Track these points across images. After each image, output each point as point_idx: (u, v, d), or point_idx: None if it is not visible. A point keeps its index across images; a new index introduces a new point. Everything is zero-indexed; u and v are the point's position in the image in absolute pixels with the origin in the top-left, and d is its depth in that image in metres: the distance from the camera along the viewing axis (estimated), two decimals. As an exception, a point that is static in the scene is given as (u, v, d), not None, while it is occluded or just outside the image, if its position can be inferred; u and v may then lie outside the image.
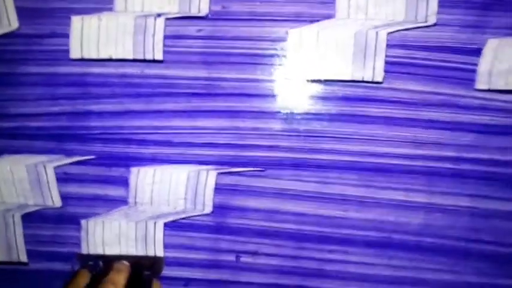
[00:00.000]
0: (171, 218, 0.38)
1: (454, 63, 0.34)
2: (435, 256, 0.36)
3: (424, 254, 0.36)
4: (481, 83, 0.34)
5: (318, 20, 0.35)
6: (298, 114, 0.36)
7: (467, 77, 0.34)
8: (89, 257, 0.38)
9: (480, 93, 0.34)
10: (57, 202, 0.38)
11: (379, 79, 0.35)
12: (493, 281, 0.36)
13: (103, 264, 0.37)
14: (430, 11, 0.33)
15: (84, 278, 0.36)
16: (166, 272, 0.39)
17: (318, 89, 0.36)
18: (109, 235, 0.38)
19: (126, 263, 0.36)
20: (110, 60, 0.35)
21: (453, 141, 0.35)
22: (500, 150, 0.35)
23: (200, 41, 0.36)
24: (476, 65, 0.34)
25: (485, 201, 0.36)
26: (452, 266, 0.37)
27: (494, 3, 0.33)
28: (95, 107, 0.36)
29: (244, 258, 0.38)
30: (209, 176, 0.37)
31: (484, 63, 0.34)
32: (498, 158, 0.35)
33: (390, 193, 0.36)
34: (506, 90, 0.34)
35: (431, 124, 0.35)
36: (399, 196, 0.36)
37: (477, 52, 0.34)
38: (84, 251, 0.38)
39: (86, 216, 0.38)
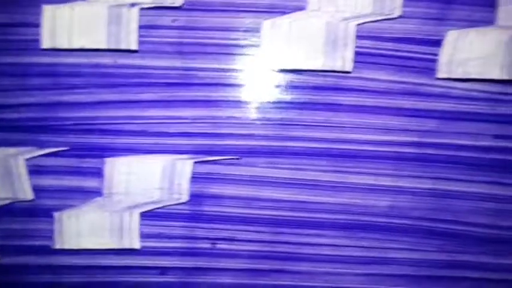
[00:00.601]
0: (147, 208, 0.39)
1: (418, 54, 0.38)
2: (401, 236, 0.40)
3: (391, 234, 0.40)
4: (441, 72, 0.37)
5: (290, 12, 0.37)
6: (272, 103, 0.38)
7: (429, 67, 0.38)
8: None
9: (441, 81, 0.38)
10: (29, 195, 0.38)
11: (349, 69, 0.37)
12: (454, 258, 0.40)
13: None
14: (396, 3, 0.36)
15: None
16: (142, 261, 0.40)
17: (291, 78, 0.38)
18: (84, 227, 0.39)
19: None
20: (83, 50, 0.36)
21: (417, 127, 0.38)
22: (459, 135, 0.39)
23: (175, 31, 0.37)
24: (437, 55, 0.37)
25: (446, 183, 0.39)
26: (417, 244, 0.40)
27: (454, -3, 0.37)
28: (67, 98, 0.37)
29: (220, 245, 0.40)
30: (185, 165, 0.39)
31: (445, 54, 0.37)
32: (458, 142, 0.39)
33: (360, 177, 0.39)
34: (465, 78, 0.37)
35: (397, 111, 0.38)
36: (368, 180, 0.39)
37: (439, 43, 0.37)
38: (57, 244, 0.39)
39: (59, 208, 0.39)
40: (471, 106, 0.39)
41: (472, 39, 0.37)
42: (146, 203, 0.39)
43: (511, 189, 0.40)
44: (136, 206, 0.39)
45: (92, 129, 0.38)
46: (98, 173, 0.38)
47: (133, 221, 0.39)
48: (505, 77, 0.38)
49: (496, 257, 0.40)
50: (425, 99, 0.39)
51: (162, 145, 0.39)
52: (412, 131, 0.39)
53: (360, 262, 0.40)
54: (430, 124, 0.39)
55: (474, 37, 0.37)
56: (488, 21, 0.38)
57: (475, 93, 0.38)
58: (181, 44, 0.37)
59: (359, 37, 0.37)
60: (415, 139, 0.39)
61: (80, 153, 0.38)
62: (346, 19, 0.37)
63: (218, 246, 0.40)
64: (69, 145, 0.38)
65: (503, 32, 0.37)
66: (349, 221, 0.40)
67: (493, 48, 0.37)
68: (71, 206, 0.39)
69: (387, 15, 0.37)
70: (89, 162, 0.38)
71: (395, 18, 0.37)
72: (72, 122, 0.37)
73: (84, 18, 0.35)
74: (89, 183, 0.39)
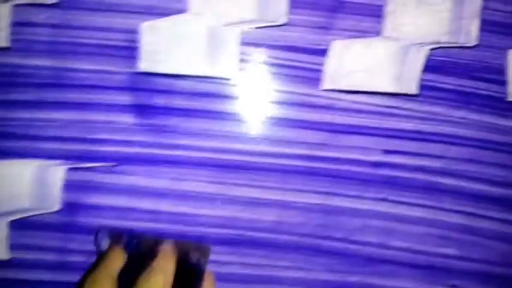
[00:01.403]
0: (15, 217, 0.38)
1: (303, 63, 0.38)
2: (287, 253, 0.39)
3: (277, 251, 0.39)
4: (327, 83, 0.37)
5: (170, 14, 0.36)
6: (151, 108, 0.38)
7: (314, 77, 0.38)
8: (120, 233, 0.34)
9: (327, 93, 0.38)
10: None
11: (231, 76, 0.37)
12: (343, 278, 0.39)
13: (138, 243, 0.33)
14: (281, 10, 0.36)
15: (119, 260, 0.31)
16: (12, 274, 0.38)
17: (170, 83, 0.37)
18: None
19: (171, 245, 0.33)
20: None
21: (304, 140, 0.38)
22: (348, 149, 0.39)
23: (49, 29, 0.37)
24: (323, 65, 0.37)
25: (336, 198, 0.39)
26: (305, 263, 0.40)
27: (340, 6, 0.37)
28: None
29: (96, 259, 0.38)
30: (57, 172, 0.37)
31: (330, 64, 0.37)
32: (345, 156, 0.38)
33: (244, 190, 0.39)
34: (351, 90, 0.37)
35: (282, 122, 0.38)
36: (253, 193, 0.39)
37: (325, 52, 0.37)
38: None
39: None
40: (359, 119, 0.39)
41: (358, 50, 0.37)
42: (15, 211, 0.38)
43: (401, 207, 0.40)
44: (4, 214, 0.38)
45: (-47, 130, 0.37)
46: (-39, 177, 0.37)
47: (1, 230, 0.38)
48: (392, 90, 0.38)
49: (385, 278, 0.40)
50: (311, 111, 0.39)
51: (32, 149, 0.38)
52: (299, 143, 0.39)
53: (243, 280, 0.39)
54: (318, 137, 0.39)
55: (360, 48, 0.38)
56: (375, 32, 0.38)
57: (362, 106, 0.39)
58: (54, 43, 0.37)
59: (243, 43, 0.37)
60: (303, 152, 0.39)
61: None
62: (229, 24, 0.37)
63: (93, 260, 0.39)
64: None
65: (391, 44, 0.38)
66: (232, 236, 0.39)
67: (379, 59, 0.38)
68: None
69: (272, 22, 0.37)
70: (-50, 165, 0.37)
71: (280, 25, 0.37)
72: None
73: None
74: (-48, 187, 0.37)
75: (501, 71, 0.39)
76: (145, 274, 0.29)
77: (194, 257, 0.33)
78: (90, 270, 0.31)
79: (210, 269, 0.33)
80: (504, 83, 0.39)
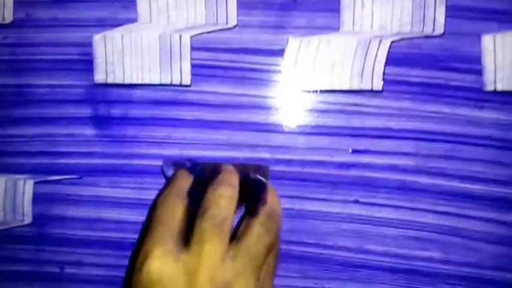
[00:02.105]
0: (-10, 230, 0.47)
1: (259, 65, 0.44)
2: (257, 260, 0.46)
3: (245, 258, 0.46)
4: (285, 84, 0.43)
5: (121, 24, 0.44)
6: (111, 118, 0.45)
7: (273, 78, 0.44)
8: (183, 160, 0.40)
9: (286, 94, 0.44)
10: None
11: (187, 82, 0.44)
12: (318, 285, 0.46)
13: (201, 168, 0.38)
14: (230, 13, 0.43)
15: (185, 180, 0.37)
16: (-7, 286, 0.48)
17: (127, 93, 0.45)
18: None
19: (232, 166, 0.38)
20: None
21: (267, 143, 0.45)
22: (313, 151, 0.44)
23: (7, 48, 0.45)
24: (280, 65, 0.43)
25: (303, 202, 0.45)
26: (276, 269, 0.46)
27: (292, 4, 0.43)
28: None
29: (69, 269, 0.47)
30: (26, 185, 0.46)
31: (287, 64, 0.43)
32: (312, 158, 0.44)
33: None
34: (310, 90, 0.43)
35: (243, 126, 0.44)
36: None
37: (281, 52, 0.43)
38: None
39: None
40: (324, 119, 0.44)
41: (316, 48, 0.43)
42: (-10, 225, 0.47)
43: (375, 209, 0.45)
44: (-20, 228, 0.47)
45: None
46: None
47: (-21, 244, 0.47)
48: (356, 87, 0.43)
49: (363, 284, 0.46)
50: (272, 113, 0.45)
51: (1, 165, 0.46)
52: (261, 146, 0.45)
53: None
54: (280, 139, 0.45)
55: (318, 45, 0.43)
56: (333, 28, 0.43)
57: (326, 106, 0.44)
58: (13, 61, 0.45)
59: (195, 49, 0.44)
60: (267, 155, 0.45)
61: None
62: (179, 31, 0.44)
63: (66, 270, 0.48)
64: None
65: (350, 39, 0.43)
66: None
67: (340, 56, 0.43)
68: None
69: (222, 25, 0.43)
70: None
71: (230, 28, 0.44)
72: None
73: None
74: None
75: (473, 59, 0.43)
76: (212, 187, 0.35)
77: (255, 175, 0.38)
78: (160, 192, 0.36)
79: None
80: (477, 72, 0.43)
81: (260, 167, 0.41)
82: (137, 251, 0.34)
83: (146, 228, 0.35)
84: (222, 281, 0.32)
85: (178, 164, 0.41)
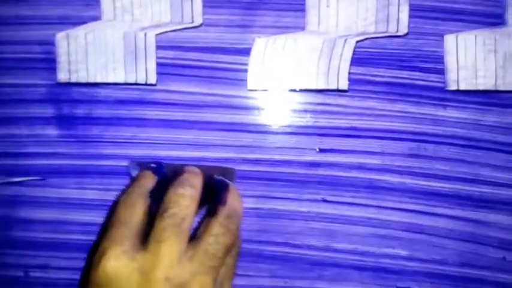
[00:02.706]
0: (-48, 234, 0.46)
1: (225, 64, 0.43)
2: (225, 260, 0.45)
3: (214, 258, 0.45)
4: (252, 84, 0.43)
5: (84, 22, 0.43)
6: (74, 118, 0.44)
7: (239, 77, 0.43)
8: (148, 162, 0.40)
9: (254, 93, 0.44)
10: None
11: (153, 81, 0.43)
12: (287, 284, 0.46)
13: (166, 169, 0.38)
14: (196, 11, 0.42)
15: (149, 180, 0.37)
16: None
17: (90, 92, 0.44)
18: None
19: (196, 167, 0.38)
20: None
21: (234, 143, 0.44)
22: (281, 150, 0.44)
23: (-33, 46, 0.44)
24: (246, 64, 0.43)
25: (271, 201, 0.45)
26: (246, 269, 0.46)
27: (258, 2, 0.43)
28: None
29: (34, 273, 0.46)
30: (-12, 188, 0.45)
31: (254, 63, 0.43)
32: (278, 157, 0.44)
33: (175, 198, 0.45)
34: (276, 89, 0.43)
35: (210, 126, 0.44)
36: (184, 200, 0.45)
37: (246, 52, 0.43)
38: None
39: None
40: (290, 118, 0.44)
41: (282, 47, 0.43)
42: (-49, 229, 0.46)
43: (342, 208, 0.45)
44: None
45: None
46: None
47: None
48: (321, 86, 0.43)
49: (332, 282, 0.46)
50: (239, 113, 0.44)
51: (-39, 166, 0.45)
52: (227, 146, 0.45)
53: None
54: (246, 139, 0.45)
55: (284, 44, 0.43)
56: (299, 27, 0.43)
57: (292, 105, 0.44)
58: (-27, 59, 0.44)
59: (160, 47, 0.43)
60: (234, 155, 0.45)
61: None
62: (143, 29, 0.43)
63: (32, 274, 0.47)
64: None
65: (315, 38, 0.43)
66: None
67: (305, 55, 0.43)
68: None
69: (187, 23, 0.43)
70: None
71: (196, 26, 0.43)
72: None
73: None
74: None
75: (437, 58, 0.43)
76: (173, 187, 0.35)
77: (218, 177, 0.38)
78: (123, 191, 0.36)
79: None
80: (441, 72, 0.43)
81: (226, 169, 0.41)
82: (95, 249, 0.34)
83: (106, 227, 0.35)
84: (178, 281, 0.31)
85: (143, 164, 0.41)
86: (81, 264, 0.45)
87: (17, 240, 0.45)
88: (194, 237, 0.35)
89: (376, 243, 0.45)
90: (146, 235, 0.33)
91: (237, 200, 0.36)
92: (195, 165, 0.39)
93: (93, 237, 0.45)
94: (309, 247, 0.45)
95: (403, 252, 0.45)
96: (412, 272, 0.45)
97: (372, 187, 0.44)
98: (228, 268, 0.35)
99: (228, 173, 0.40)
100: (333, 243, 0.45)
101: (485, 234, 0.44)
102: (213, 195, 0.36)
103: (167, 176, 0.38)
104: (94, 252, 0.34)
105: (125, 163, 0.44)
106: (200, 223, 0.36)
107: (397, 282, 0.45)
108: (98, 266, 0.32)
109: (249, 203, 0.45)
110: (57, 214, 0.45)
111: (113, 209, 0.37)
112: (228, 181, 0.38)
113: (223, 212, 0.35)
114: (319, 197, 0.44)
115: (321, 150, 0.44)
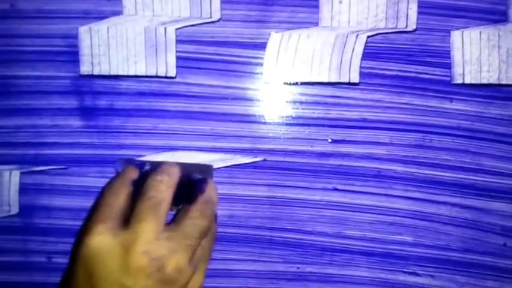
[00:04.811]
0: (-24, 221, 0.47)
1: (242, 57, 0.45)
2: (239, 246, 0.47)
3: (230, 244, 0.47)
4: (268, 77, 0.45)
5: (106, 17, 0.44)
6: (96, 109, 0.46)
7: (255, 71, 0.45)
8: (134, 161, 0.43)
9: (269, 85, 0.45)
10: None
11: (172, 74, 0.45)
12: (300, 269, 0.47)
13: (150, 167, 0.40)
14: (214, 6, 0.44)
15: (132, 173, 0.39)
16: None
17: (113, 84, 0.45)
18: None
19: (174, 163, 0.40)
20: None
21: (250, 134, 0.46)
22: (294, 141, 0.46)
23: (-8, 39, 0.45)
24: (262, 58, 0.45)
25: (283, 190, 0.47)
26: (259, 255, 0.48)
27: (274, -1, 0.44)
28: None
29: (56, 259, 0.48)
30: (12, 176, 0.46)
31: (269, 57, 0.44)
32: (292, 148, 0.46)
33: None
34: (291, 82, 0.45)
35: (226, 117, 0.46)
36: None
37: (262, 46, 0.45)
38: None
39: None
40: (303, 110, 0.46)
41: (296, 41, 0.45)
42: (-25, 216, 0.47)
43: (352, 196, 0.47)
44: (-35, 219, 0.47)
45: None
46: None
47: (-36, 234, 0.47)
48: (333, 79, 0.45)
49: (341, 267, 0.48)
50: (254, 104, 0.46)
51: (-14, 156, 0.46)
52: (244, 137, 0.46)
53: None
54: (263, 130, 0.46)
55: (298, 39, 0.45)
56: (312, 22, 0.45)
57: (305, 97, 0.46)
58: (-1, 52, 0.45)
59: (180, 42, 0.45)
60: (249, 145, 0.46)
61: None
62: (164, 23, 0.45)
63: (54, 260, 0.48)
64: None
65: (328, 33, 0.45)
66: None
67: (319, 50, 0.45)
68: None
69: (206, 18, 0.45)
70: None
71: (214, 21, 0.45)
72: None
73: None
74: None
75: (443, 53, 0.45)
76: (153, 174, 0.37)
77: (197, 174, 0.41)
78: (109, 180, 0.40)
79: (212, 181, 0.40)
80: (447, 66, 0.45)
81: (204, 166, 0.43)
82: (81, 229, 0.37)
83: (91, 210, 0.38)
84: (156, 256, 0.34)
85: (129, 161, 0.43)
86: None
87: (39, 227, 0.47)
88: (173, 221, 0.37)
89: (383, 230, 0.47)
90: (128, 218, 0.36)
91: (213, 190, 0.39)
92: (175, 163, 0.41)
93: (113, 224, 0.46)
94: (320, 234, 0.47)
95: (409, 239, 0.47)
96: (417, 258, 0.47)
97: (380, 176, 0.46)
98: (203, 251, 0.38)
99: (206, 169, 0.42)
100: (343, 230, 0.47)
101: (487, 222, 0.46)
102: (192, 190, 0.39)
103: (149, 169, 0.40)
104: (80, 232, 0.37)
105: (145, 153, 0.45)
106: (179, 211, 0.38)
107: (403, 267, 0.47)
108: (82, 241, 0.34)
109: (263, 192, 0.46)
110: (78, 202, 0.46)
111: (99, 196, 0.39)
112: (206, 177, 0.40)
113: (200, 199, 0.38)
114: (330, 186, 0.46)
115: (333, 141, 0.46)
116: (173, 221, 0.37)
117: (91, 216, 0.36)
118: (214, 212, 0.39)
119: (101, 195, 0.38)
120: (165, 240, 0.35)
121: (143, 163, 0.41)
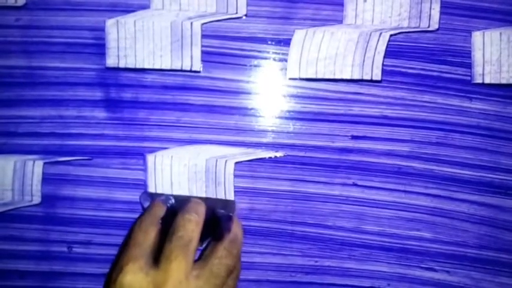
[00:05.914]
0: (-1, 210, 0.47)
1: (266, 53, 0.46)
2: (262, 240, 0.48)
3: (251, 237, 0.48)
4: (291, 72, 0.45)
5: (133, 10, 0.45)
6: (121, 102, 0.46)
7: (279, 67, 0.46)
8: (158, 195, 0.45)
9: (292, 81, 0.46)
10: None
11: (198, 68, 0.45)
12: (319, 263, 0.48)
13: (175, 203, 0.43)
14: (240, 2, 0.44)
15: (160, 209, 0.42)
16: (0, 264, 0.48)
17: (139, 77, 0.46)
18: None
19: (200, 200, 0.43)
20: None
21: (271, 128, 0.47)
22: (315, 136, 0.47)
23: (19, 30, 0.46)
24: (286, 54, 0.45)
25: (305, 185, 0.47)
26: (279, 248, 0.48)
27: (299, -4, 0.45)
28: None
29: (77, 249, 0.48)
30: (35, 166, 0.47)
31: (293, 53, 0.45)
32: (313, 143, 0.47)
33: (214, 179, 0.47)
34: (314, 78, 0.46)
35: (250, 112, 0.46)
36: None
37: (287, 42, 0.45)
38: None
39: None
40: (325, 106, 0.47)
41: (320, 38, 0.45)
42: (-2, 205, 0.48)
43: (371, 192, 0.48)
44: (-12, 208, 0.48)
45: None
46: None
47: (-14, 223, 0.48)
48: (356, 76, 0.46)
49: (360, 262, 0.49)
50: (277, 100, 0.47)
51: (11, 145, 0.47)
52: (267, 132, 0.47)
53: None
54: (288, 125, 0.47)
55: (322, 36, 0.45)
56: (336, 20, 0.46)
57: (327, 94, 0.47)
58: (25, 43, 0.46)
59: (205, 36, 0.46)
60: (272, 140, 0.47)
61: None
62: (190, 18, 0.45)
63: (74, 250, 0.49)
64: None
65: (352, 31, 0.45)
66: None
67: (342, 47, 0.45)
68: None
69: (232, 14, 0.45)
70: None
71: (240, 17, 0.45)
72: None
73: None
74: None
75: (465, 53, 0.46)
76: (181, 213, 0.39)
77: (221, 211, 0.43)
78: (138, 218, 0.42)
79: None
80: (468, 66, 0.46)
81: (227, 202, 0.45)
82: (113, 268, 0.38)
83: (122, 249, 0.40)
84: None
85: (154, 195, 0.45)
86: (121, 241, 0.47)
87: (61, 217, 0.47)
88: (200, 259, 0.39)
89: (401, 225, 0.47)
90: (158, 255, 0.38)
91: (239, 229, 0.41)
92: (199, 198, 0.43)
93: (134, 215, 0.47)
94: (339, 228, 0.48)
95: (427, 235, 0.47)
96: (435, 254, 0.48)
97: (400, 173, 0.47)
98: None
99: (229, 205, 0.45)
100: (362, 225, 0.47)
101: (503, 219, 0.47)
102: (216, 227, 0.41)
103: (175, 206, 0.43)
104: (112, 270, 0.38)
105: (168, 145, 0.46)
106: (205, 248, 0.40)
107: (421, 263, 0.48)
108: (116, 280, 0.36)
109: (285, 186, 0.47)
110: (100, 192, 0.47)
111: (129, 234, 0.41)
112: (232, 213, 0.43)
113: (227, 238, 0.40)
114: (350, 181, 0.47)
115: (353, 137, 0.46)
116: (201, 259, 0.39)
117: (123, 255, 0.38)
118: (240, 250, 0.41)
119: (131, 233, 0.40)
120: (194, 279, 0.37)
121: (167, 197, 0.44)
